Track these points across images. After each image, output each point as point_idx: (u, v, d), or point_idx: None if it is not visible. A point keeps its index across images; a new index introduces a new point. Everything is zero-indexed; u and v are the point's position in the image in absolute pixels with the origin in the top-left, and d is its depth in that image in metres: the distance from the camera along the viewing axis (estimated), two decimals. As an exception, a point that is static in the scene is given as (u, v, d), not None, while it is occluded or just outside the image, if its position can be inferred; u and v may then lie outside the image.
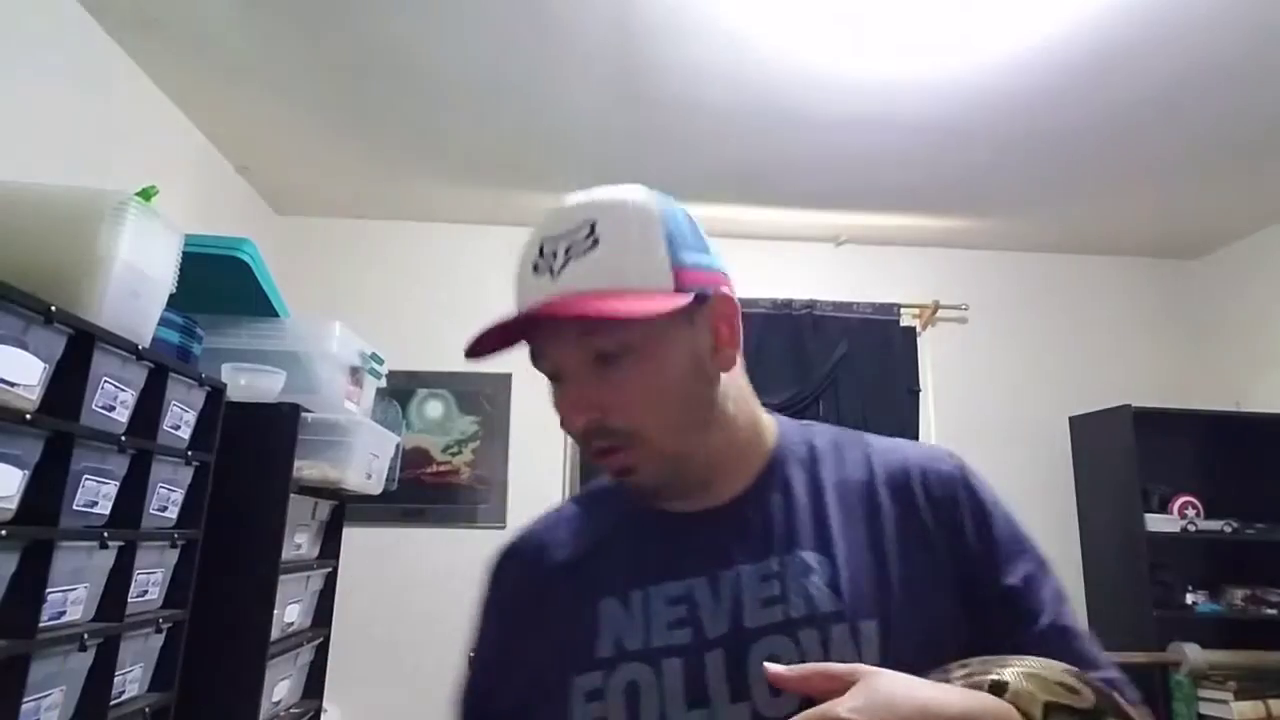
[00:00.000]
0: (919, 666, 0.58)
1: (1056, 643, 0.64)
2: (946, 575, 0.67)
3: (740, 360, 0.73)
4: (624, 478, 0.69)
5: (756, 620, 0.64)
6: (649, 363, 0.66)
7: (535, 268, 0.67)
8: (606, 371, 0.66)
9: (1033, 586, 0.69)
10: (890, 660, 0.59)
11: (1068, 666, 0.60)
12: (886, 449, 0.75)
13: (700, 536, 0.70)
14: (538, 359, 0.70)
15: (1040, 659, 0.60)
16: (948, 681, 0.58)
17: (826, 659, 0.60)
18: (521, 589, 0.77)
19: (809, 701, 0.55)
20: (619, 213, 0.67)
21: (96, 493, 1.41)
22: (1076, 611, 0.70)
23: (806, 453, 0.75)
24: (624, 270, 0.65)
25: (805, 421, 0.81)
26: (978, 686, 0.57)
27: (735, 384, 0.73)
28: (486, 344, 0.66)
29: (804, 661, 0.60)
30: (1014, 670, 0.58)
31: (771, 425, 0.77)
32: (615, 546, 0.73)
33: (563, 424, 0.69)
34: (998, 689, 0.57)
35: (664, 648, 0.65)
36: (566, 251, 0.65)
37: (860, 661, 0.58)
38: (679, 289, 0.66)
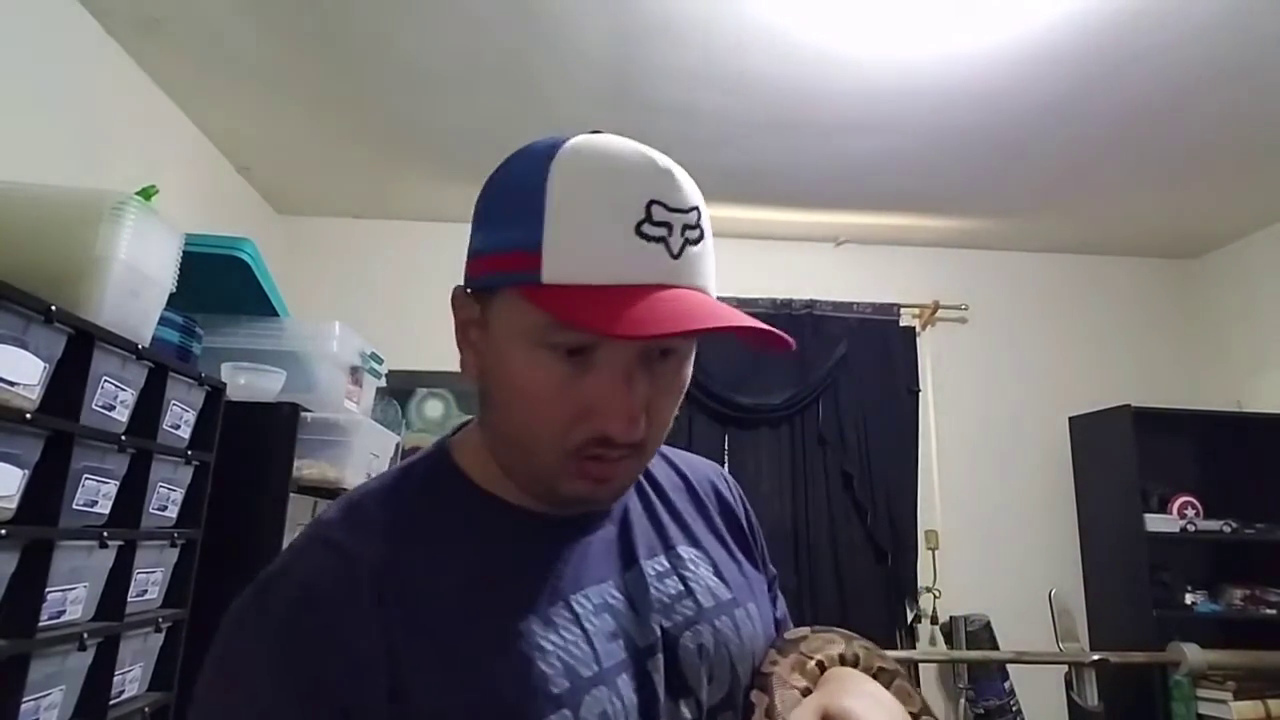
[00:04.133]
0: (769, 642, 0.68)
1: (788, 623, 0.76)
2: (755, 562, 0.75)
3: None
4: (597, 490, 0.60)
5: (673, 616, 0.63)
6: (686, 368, 0.61)
7: (643, 232, 0.54)
8: (654, 372, 0.58)
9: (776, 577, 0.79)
10: (763, 639, 0.67)
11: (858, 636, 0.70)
12: (681, 456, 0.79)
13: (591, 541, 0.64)
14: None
15: (840, 631, 0.70)
16: (792, 653, 0.65)
17: (740, 644, 0.65)
18: (371, 620, 0.54)
19: (736, 682, 0.63)
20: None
21: (96, 492, 1.41)
22: None
23: None
24: (712, 273, 0.59)
25: None
26: (831, 660, 0.66)
27: None
28: (645, 318, 0.52)
29: (727, 648, 0.64)
30: (857, 644, 0.69)
31: None
32: (493, 555, 0.60)
33: (596, 417, 0.56)
34: (852, 661, 0.67)
35: (613, 665, 0.59)
36: (683, 232, 0.56)
37: (754, 643, 0.66)
38: None
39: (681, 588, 0.65)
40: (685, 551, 0.69)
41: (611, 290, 0.53)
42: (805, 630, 0.69)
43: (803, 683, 0.63)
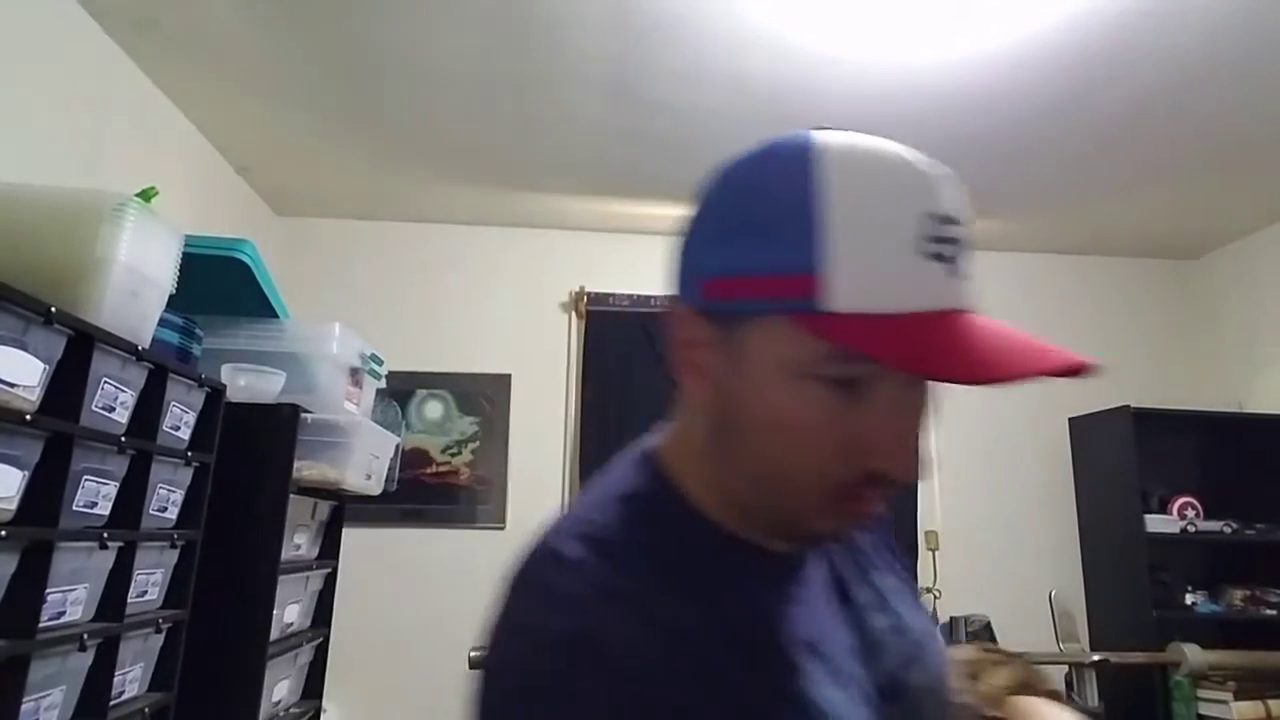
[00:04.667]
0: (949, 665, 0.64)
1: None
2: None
3: None
4: (847, 527, 0.57)
5: (896, 657, 0.59)
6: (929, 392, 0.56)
7: (929, 250, 0.48)
8: (913, 400, 0.53)
9: None
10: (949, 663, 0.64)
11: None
12: None
13: (814, 577, 0.60)
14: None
15: (999, 649, 0.69)
16: (976, 682, 0.64)
17: (945, 677, 0.62)
18: (673, 683, 0.49)
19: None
20: None
21: (96, 493, 1.41)
22: None
23: None
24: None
25: None
26: (1014, 686, 0.64)
27: None
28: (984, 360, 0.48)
29: (940, 686, 0.61)
30: (1020, 665, 0.66)
31: None
32: (742, 600, 0.55)
33: (871, 453, 0.51)
34: (1029, 687, 0.66)
35: (866, 713, 0.55)
36: (964, 247, 0.51)
37: (941, 669, 0.62)
38: None
39: (892, 621, 0.62)
40: (880, 579, 0.65)
41: (903, 320, 0.47)
42: (970, 650, 0.66)
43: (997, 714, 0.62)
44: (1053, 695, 0.64)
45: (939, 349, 0.47)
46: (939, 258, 0.48)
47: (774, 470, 0.53)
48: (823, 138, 0.51)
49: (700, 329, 0.54)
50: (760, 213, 0.51)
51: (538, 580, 0.53)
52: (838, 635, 0.57)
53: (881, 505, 0.56)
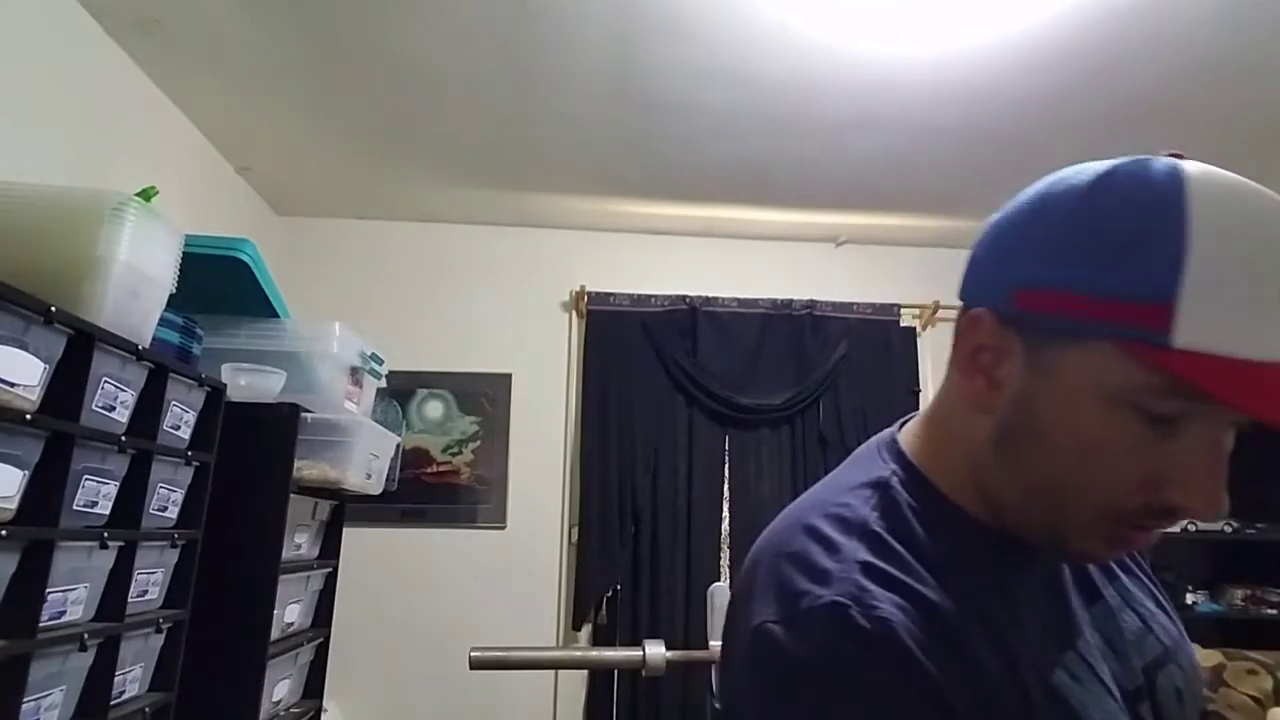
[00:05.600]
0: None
1: None
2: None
3: None
4: (1112, 555, 0.58)
5: (1145, 655, 0.59)
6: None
7: None
8: (1223, 442, 0.52)
9: None
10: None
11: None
12: None
13: (1062, 572, 0.60)
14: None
15: (1250, 656, 0.65)
16: (1229, 690, 0.61)
17: (1200, 684, 0.60)
18: (943, 668, 0.50)
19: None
20: None
21: (96, 493, 1.41)
22: None
23: None
24: None
25: None
26: (1264, 696, 0.61)
27: None
28: None
29: (1194, 689, 0.59)
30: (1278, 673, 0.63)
31: None
32: (1002, 594, 0.55)
33: (1172, 489, 0.50)
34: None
35: (1118, 711, 0.55)
36: None
37: (1192, 673, 0.60)
38: None
39: (1140, 623, 0.61)
40: (1126, 580, 0.63)
41: (1246, 366, 0.45)
42: (1219, 657, 0.66)
43: None
44: None
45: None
46: None
47: (1060, 488, 0.52)
48: (1193, 168, 0.50)
49: (1001, 336, 0.54)
50: (1115, 234, 0.49)
51: (802, 557, 0.54)
52: (1086, 631, 0.57)
53: (1156, 538, 0.55)
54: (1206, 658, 0.59)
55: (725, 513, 3.36)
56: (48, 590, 1.27)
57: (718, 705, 0.56)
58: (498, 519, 3.30)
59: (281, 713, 2.13)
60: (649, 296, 3.47)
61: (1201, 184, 0.48)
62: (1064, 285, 0.50)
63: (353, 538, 2.61)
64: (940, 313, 3.60)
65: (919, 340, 3.60)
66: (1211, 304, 0.46)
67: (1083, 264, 0.50)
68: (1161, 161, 0.51)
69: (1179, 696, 0.58)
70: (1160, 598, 0.66)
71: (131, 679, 1.55)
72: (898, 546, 0.54)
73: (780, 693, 0.50)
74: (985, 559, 0.56)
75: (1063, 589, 0.58)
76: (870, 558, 0.53)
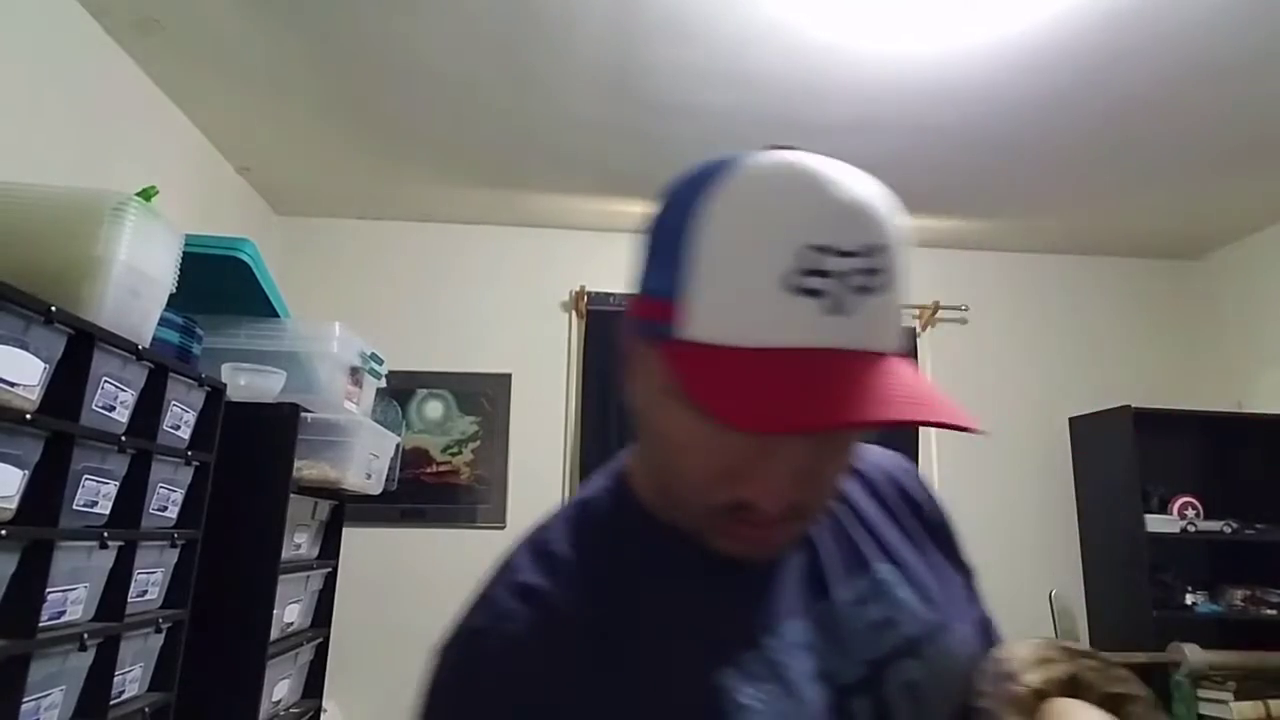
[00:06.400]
0: (982, 661, 0.59)
1: (993, 623, 0.67)
2: (955, 561, 0.69)
3: None
4: (751, 551, 0.55)
5: (876, 650, 0.57)
6: (856, 437, 0.55)
7: (794, 284, 0.45)
8: (825, 444, 0.51)
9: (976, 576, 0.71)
10: (974, 663, 0.59)
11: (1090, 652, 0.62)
12: (862, 455, 0.69)
13: (780, 571, 0.58)
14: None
15: (1067, 645, 0.62)
16: (1006, 681, 0.57)
17: (952, 675, 0.58)
18: (571, 679, 0.52)
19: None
20: (903, 239, 0.50)
21: (96, 493, 1.41)
22: None
23: None
24: (895, 324, 0.50)
25: None
26: (1052, 686, 0.58)
27: None
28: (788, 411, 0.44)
29: (938, 682, 0.57)
30: (1084, 663, 0.60)
31: None
32: (684, 595, 0.56)
33: (742, 483, 0.50)
34: (1076, 686, 0.58)
35: (815, 712, 0.54)
36: (852, 281, 0.46)
37: (969, 665, 0.59)
38: None
39: (884, 615, 0.59)
40: (883, 571, 0.62)
41: (755, 356, 0.45)
42: (1021, 647, 0.61)
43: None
44: (1116, 698, 0.58)
45: (757, 395, 0.44)
46: (811, 292, 0.45)
47: (665, 478, 0.56)
48: (744, 161, 0.50)
49: (630, 341, 0.56)
50: (654, 235, 0.52)
51: (482, 582, 0.59)
52: (790, 628, 0.56)
53: (790, 535, 0.55)
54: (1020, 650, 0.55)
55: (725, 513, 3.36)
56: (47, 590, 1.27)
57: None
58: (497, 519, 3.30)
59: (281, 712, 2.13)
60: (649, 296, 3.47)
61: (732, 176, 0.49)
62: (637, 289, 0.54)
63: (352, 538, 2.61)
64: (940, 313, 3.60)
65: (919, 340, 3.60)
66: (710, 295, 0.47)
67: (641, 266, 0.53)
68: (719, 157, 0.51)
69: (911, 690, 0.56)
70: (942, 584, 0.64)
71: (131, 679, 1.55)
72: (568, 564, 0.56)
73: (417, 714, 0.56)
74: (665, 564, 0.56)
75: (767, 587, 0.57)
76: (531, 579, 0.56)
